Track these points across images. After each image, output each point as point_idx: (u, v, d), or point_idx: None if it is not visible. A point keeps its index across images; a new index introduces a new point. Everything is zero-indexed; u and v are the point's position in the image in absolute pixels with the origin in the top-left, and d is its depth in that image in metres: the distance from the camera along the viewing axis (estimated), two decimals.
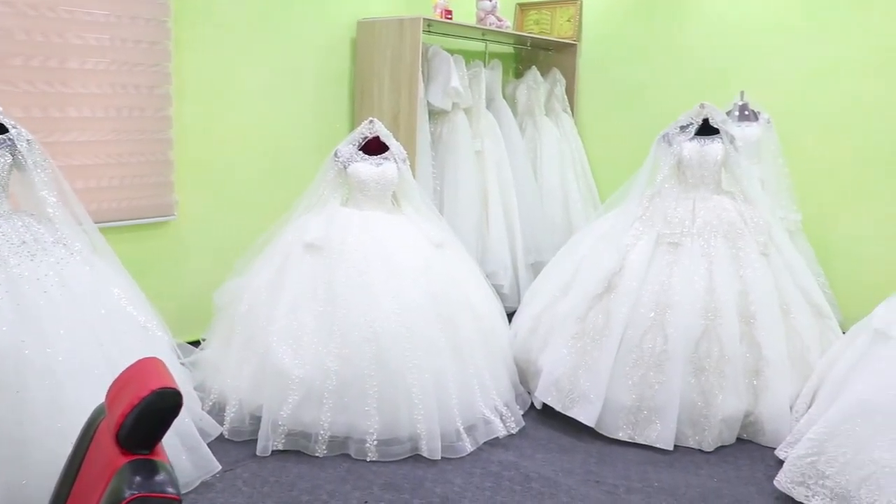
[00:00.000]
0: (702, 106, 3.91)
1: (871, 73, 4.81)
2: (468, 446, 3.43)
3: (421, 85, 4.65)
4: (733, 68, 5.26)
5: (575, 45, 5.88)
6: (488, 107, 5.27)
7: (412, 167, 4.49)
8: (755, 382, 3.60)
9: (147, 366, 1.51)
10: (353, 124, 4.77)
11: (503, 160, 5.16)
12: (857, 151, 4.88)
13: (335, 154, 3.75)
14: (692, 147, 3.88)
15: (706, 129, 3.94)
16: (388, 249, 3.57)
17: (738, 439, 3.64)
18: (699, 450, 3.56)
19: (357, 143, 3.78)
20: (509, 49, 6.09)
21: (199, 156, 4.33)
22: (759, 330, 3.61)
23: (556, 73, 5.82)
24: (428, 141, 4.84)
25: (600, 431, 3.64)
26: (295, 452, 3.35)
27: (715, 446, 3.56)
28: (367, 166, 3.73)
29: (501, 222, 5.03)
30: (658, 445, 3.54)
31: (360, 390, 3.33)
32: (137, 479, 1.32)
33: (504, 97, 5.56)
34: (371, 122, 3.79)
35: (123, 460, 1.36)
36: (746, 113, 4.86)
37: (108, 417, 1.48)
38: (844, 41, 4.89)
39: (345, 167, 3.74)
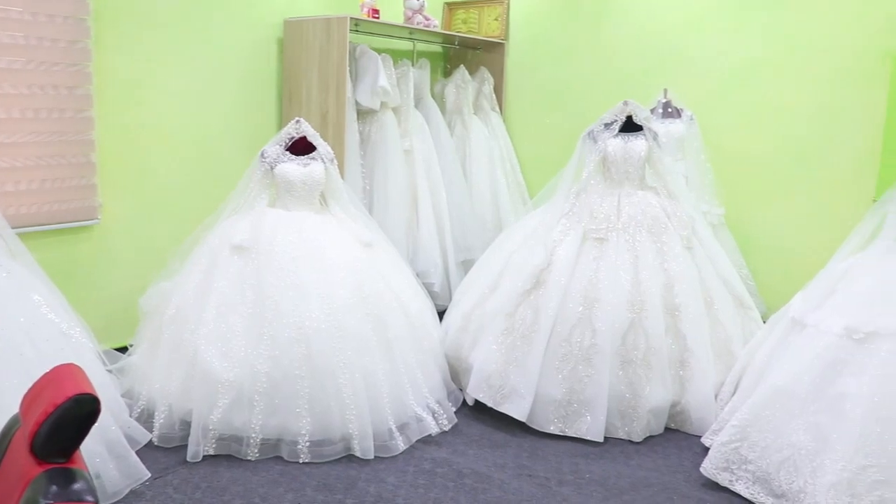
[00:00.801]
0: (625, 103, 3.99)
1: (786, 72, 4.98)
2: (401, 445, 3.45)
3: (349, 84, 4.64)
4: (657, 67, 5.38)
5: (503, 44, 5.93)
6: (417, 106, 5.28)
7: (341, 167, 4.48)
8: (681, 373, 3.70)
9: (63, 372, 1.48)
10: (282, 124, 4.73)
11: (432, 159, 5.18)
12: (776, 147, 5.04)
13: (262, 155, 3.72)
14: (616, 144, 3.96)
15: (630, 127, 4.02)
16: (317, 250, 3.56)
17: (667, 429, 3.74)
18: (629, 440, 3.64)
19: (284, 144, 3.75)
20: (438, 48, 6.12)
21: (123, 158, 4.24)
22: (683, 322, 3.71)
23: (485, 72, 5.86)
24: (357, 140, 4.83)
25: (532, 426, 3.69)
26: (226, 457, 3.31)
27: (644, 436, 3.65)
28: (294, 167, 3.71)
29: (431, 221, 5.05)
30: (589, 438, 3.61)
31: (290, 392, 3.32)
32: (53, 488, 1.30)
33: (433, 96, 5.57)
34: (297, 122, 3.77)
35: (38, 470, 1.33)
36: (670, 110, 4.99)
37: (23, 427, 1.45)
38: (761, 41, 5.04)
39: (272, 168, 3.71)
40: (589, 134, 4.01)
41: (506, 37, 5.94)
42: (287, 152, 3.74)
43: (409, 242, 5.00)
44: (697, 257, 3.88)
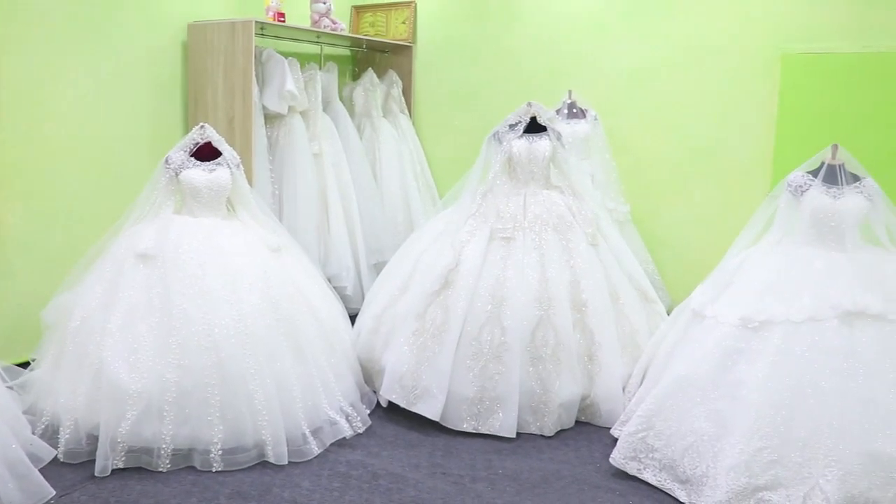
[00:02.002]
0: (529, 105, 4.09)
1: (684, 73, 5.19)
2: (315, 449, 3.46)
3: (255, 89, 4.61)
4: (561, 69, 5.53)
5: (410, 46, 5.99)
6: (325, 109, 5.29)
7: (249, 172, 4.46)
8: (590, 367, 3.81)
9: None
10: (188, 129, 4.67)
11: (341, 162, 5.19)
12: (677, 145, 5.25)
13: (166, 161, 3.67)
14: (521, 144, 4.05)
15: (534, 127, 4.12)
16: (225, 256, 3.53)
17: (578, 422, 3.85)
18: (541, 435, 3.74)
19: (188, 150, 3.71)
20: (346, 51, 6.13)
21: (20, 165, 4.11)
22: (590, 317, 3.82)
23: (393, 75, 5.91)
24: (265, 145, 4.81)
25: (445, 425, 3.74)
26: (137, 469, 3.26)
27: (555, 430, 3.75)
28: (199, 172, 3.67)
29: (342, 224, 5.06)
30: (501, 434, 3.69)
31: (201, 400, 3.29)
32: None
33: (341, 99, 5.59)
34: (202, 127, 3.74)
35: None
36: (574, 111, 5.13)
37: None
38: (659, 44, 5.24)
39: (176, 174, 3.67)
40: (494, 135, 4.10)
41: (413, 40, 6.00)
42: (192, 158, 3.70)
43: (321, 246, 5.00)
44: (602, 254, 4.01)
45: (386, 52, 6.03)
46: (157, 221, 3.60)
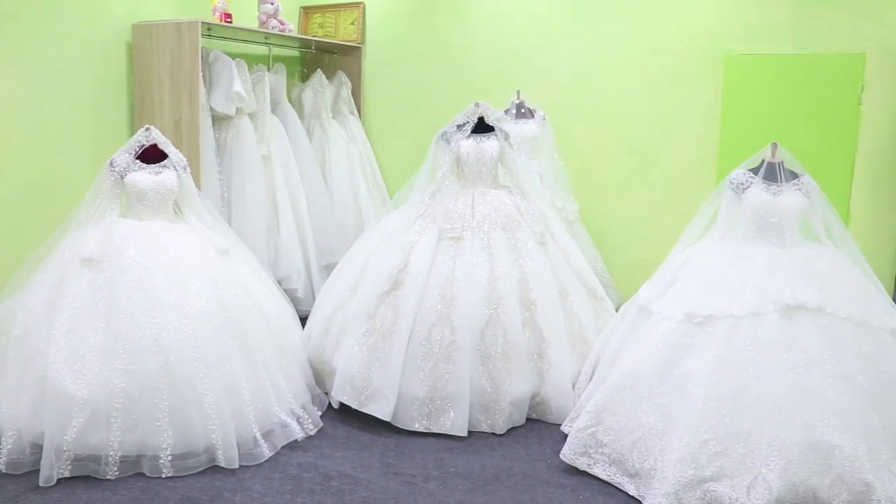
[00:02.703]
0: (477, 105, 4.12)
1: (628, 73, 5.28)
2: (266, 452, 3.45)
3: (202, 90, 4.57)
4: (509, 68, 5.58)
5: (359, 47, 5.98)
6: (274, 111, 5.26)
7: (196, 175, 4.42)
8: (539, 364, 3.85)
9: None
10: (133, 132, 4.59)
11: (290, 164, 5.17)
12: (623, 144, 5.33)
13: (111, 164, 3.62)
14: (469, 145, 4.08)
15: (482, 127, 4.15)
16: (171, 259, 3.50)
17: (529, 419, 3.89)
18: (492, 433, 3.77)
19: (133, 152, 3.67)
20: (294, 53, 6.10)
21: None
22: (539, 315, 3.87)
23: (342, 76, 5.90)
24: (213, 147, 4.77)
25: (397, 425, 3.75)
26: (84, 478, 3.21)
27: (507, 428, 3.78)
28: (144, 175, 3.63)
29: (292, 226, 5.04)
30: (453, 433, 3.71)
31: (149, 405, 3.25)
32: None
33: (290, 101, 5.57)
34: (147, 129, 3.70)
35: None
36: (523, 111, 5.18)
37: None
38: (606, 42, 5.33)
39: (121, 177, 3.62)
40: (442, 135, 4.12)
41: (362, 40, 6.00)
42: (137, 161, 3.66)
43: (271, 249, 4.98)
44: (551, 252, 4.06)
45: (335, 53, 6.02)
46: (101, 225, 3.55)
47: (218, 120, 4.90)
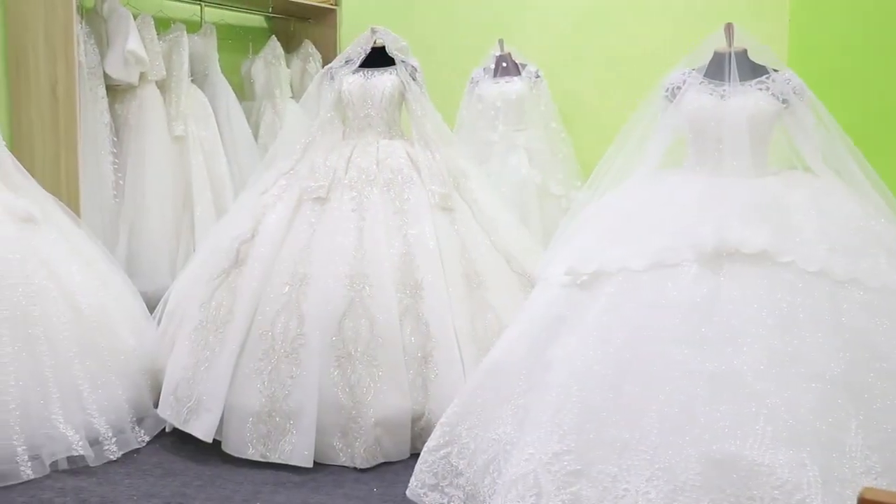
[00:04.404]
0: (373, 31, 3.80)
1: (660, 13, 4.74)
2: (29, 472, 3.17)
3: (82, 48, 4.50)
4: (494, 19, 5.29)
5: (334, 10, 5.85)
6: (201, 84, 5.17)
7: (72, 154, 4.35)
8: (424, 371, 3.35)
9: None
10: (11, 99, 4.61)
11: (216, 149, 5.04)
12: None
13: None
14: (354, 81, 3.77)
15: (382, 62, 3.82)
16: None
17: (415, 455, 3.31)
18: (354, 468, 3.26)
19: None
20: (255, 18, 6.00)
21: None
22: (426, 302, 3.41)
23: (309, 46, 5.78)
24: (107, 123, 4.67)
25: (227, 451, 3.35)
26: None
27: (372, 461, 3.29)
28: None
29: (212, 224, 4.79)
30: (294, 463, 3.24)
31: None
32: None
33: (242, 78, 5.44)
34: None
35: None
36: (505, 65, 4.72)
37: None
38: None
39: None
40: (327, 72, 3.80)
41: (337, 2, 5.81)
42: None
43: (181, 249, 4.77)
44: (461, 222, 3.61)
45: (309, 19, 5.90)
46: None
47: (120, 92, 4.84)
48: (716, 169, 2.82)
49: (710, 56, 2.94)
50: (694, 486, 2.25)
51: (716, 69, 2.89)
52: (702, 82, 2.88)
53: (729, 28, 2.90)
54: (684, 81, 2.92)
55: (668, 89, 2.96)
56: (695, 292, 2.53)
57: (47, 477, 3.21)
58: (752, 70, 2.88)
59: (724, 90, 2.85)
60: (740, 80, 2.84)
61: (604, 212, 2.89)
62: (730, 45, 2.90)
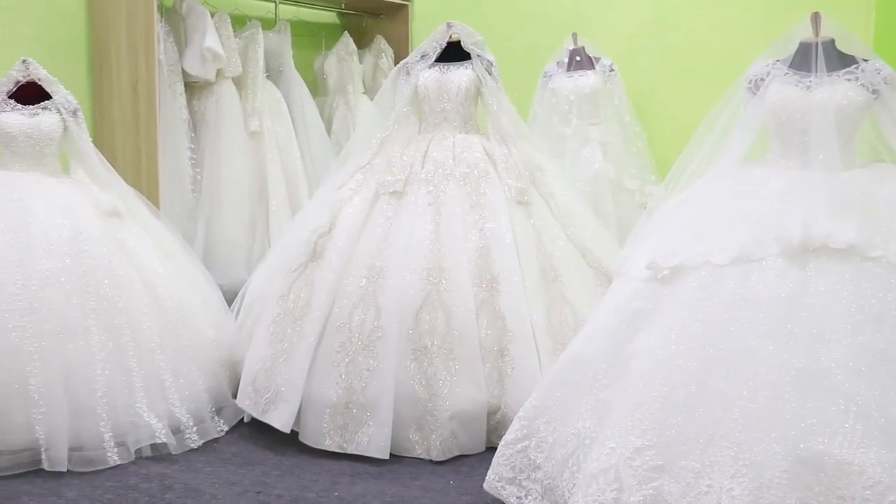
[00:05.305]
0: (449, 25, 3.78)
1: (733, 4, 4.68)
2: (115, 458, 3.22)
3: (162, 45, 4.57)
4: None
5: (406, 6, 5.86)
6: (276, 80, 5.22)
7: (154, 148, 4.41)
8: (500, 365, 3.32)
9: None
10: (94, 97, 4.70)
11: (290, 144, 5.08)
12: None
13: None
14: (430, 75, 3.75)
15: (456, 56, 3.81)
16: (25, 214, 3.42)
17: (490, 448, 3.29)
18: (429, 460, 3.26)
19: (7, 90, 3.68)
20: (327, 14, 6.03)
21: None
22: (503, 297, 3.39)
23: (381, 42, 5.79)
24: (185, 119, 4.75)
25: (305, 442, 3.37)
26: None
27: (447, 454, 3.28)
28: (16, 117, 3.62)
29: (286, 218, 4.84)
30: (370, 454, 3.25)
31: None
32: None
33: (315, 74, 5.48)
34: (25, 62, 3.71)
35: None
36: (579, 59, 4.67)
37: None
38: None
39: None
40: (403, 67, 3.80)
41: None
42: (11, 100, 3.66)
43: (256, 242, 4.81)
44: (537, 216, 3.59)
45: (380, 15, 5.91)
46: None
47: (197, 88, 4.92)
48: (801, 162, 2.72)
49: (795, 47, 2.85)
50: (780, 483, 2.20)
51: (801, 60, 2.80)
52: (786, 73, 2.80)
53: (816, 17, 2.81)
54: (768, 73, 2.84)
55: (750, 81, 2.88)
56: (780, 287, 2.47)
57: (132, 463, 3.27)
58: (840, 60, 2.78)
59: (810, 81, 2.76)
60: (827, 71, 2.76)
61: (685, 206, 2.83)
62: (816, 34, 2.81)
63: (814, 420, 2.26)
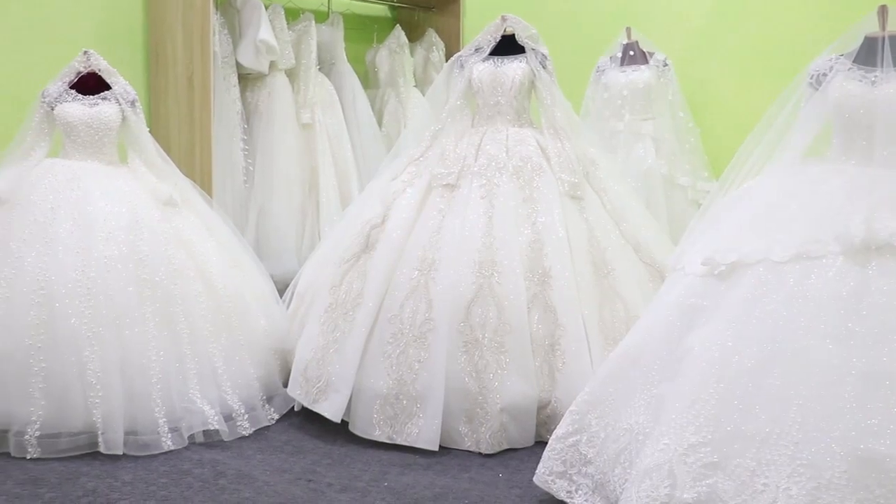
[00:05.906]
0: (503, 19, 3.76)
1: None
2: (168, 443, 3.25)
3: (217, 38, 4.61)
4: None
5: (458, 1, 5.85)
6: (328, 73, 5.23)
7: (207, 139, 4.45)
8: (551, 359, 3.32)
9: None
10: (150, 90, 4.75)
11: (342, 136, 5.09)
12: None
13: (42, 94, 3.70)
14: (484, 69, 3.73)
15: (510, 49, 3.79)
16: (86, 202, 3.46)
17: (539, 443, 3.27)
18: (478, 453, 3.25)
19: (69, 80, 3.72)
20: (378, 7, 6.04)
21: None
22: (554, 290, 3.37)
23: (433, 36, 5.80)
24: (238, 111, 4.79)
25: (354, 432, 3.38)
26: None
27: (497, 447, 3.26)
28: (77, 107, 3.66)
29: (337, 209, 4.86)
30: (420, 446, 3.26)
31: (21, 367, 3.17)
32: None
33: (367, 66, 5.50)
34: (86, 53, 3.75)
35: None
36: (632, 53, 4.64)
37: None
38: None
39: (52, 108, 3.68)
40: (457, 60, 3.78)
41: None
42: (72, 90, 3.71)
43: (306, 233, 4.83)
44: (590, 210, 3.56)
45: (432, 8, 5.90)
46: (24, 164, 3.61)
47: (251, 80, 4.95)
48: (864, 159, 2.67)
49: (860, 41, 2.80)
50: (839, 484, 2.16)
51: (867, 55, 2.75)
52: (850, 68, 2.75)
53: (883, 10, 2.75)
54: (831, 68, 2.79)
55: (812, 76, 2.83)
56: (840, 286, 2.42)
57: (185, 449, 3.29)
58: None
59: (875, 76, 2.70)
60: (894, 66, 2.72)
61: (743, 202, 2.79)
62: (883, 28, 2.76)
63: (875, 421, 2.22)
